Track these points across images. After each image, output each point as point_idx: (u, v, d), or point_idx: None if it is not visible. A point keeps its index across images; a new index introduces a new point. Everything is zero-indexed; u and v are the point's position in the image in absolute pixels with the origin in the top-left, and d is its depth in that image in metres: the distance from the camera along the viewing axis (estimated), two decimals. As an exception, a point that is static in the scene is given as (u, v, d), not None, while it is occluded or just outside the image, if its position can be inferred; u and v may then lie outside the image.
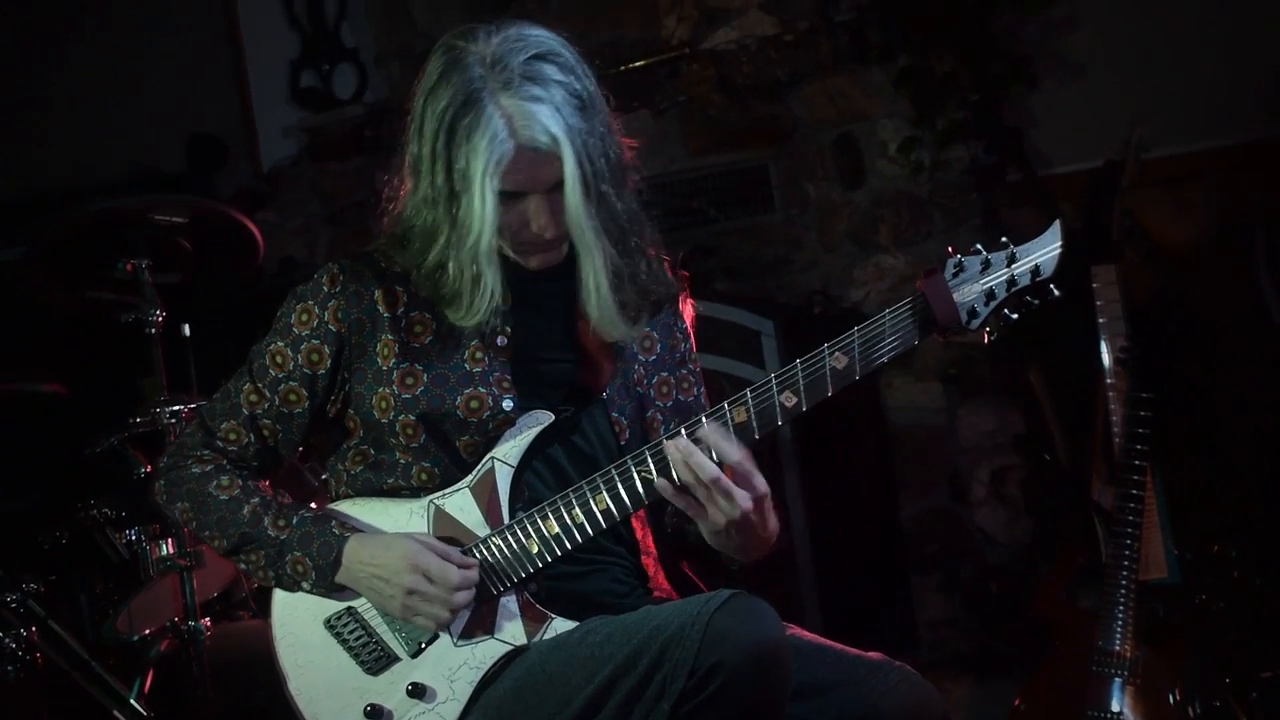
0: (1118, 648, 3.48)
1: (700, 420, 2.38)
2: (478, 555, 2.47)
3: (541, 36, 2.44)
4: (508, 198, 2.41)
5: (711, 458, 2.34)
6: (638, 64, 4.96)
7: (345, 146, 5.45)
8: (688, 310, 2.73)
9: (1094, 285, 3.75)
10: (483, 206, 2.39)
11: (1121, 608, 3.50)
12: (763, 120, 4.92)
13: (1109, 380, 3.70)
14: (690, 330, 2.72)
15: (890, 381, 4.80)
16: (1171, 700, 3.43)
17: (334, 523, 2.51)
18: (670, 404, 2.66)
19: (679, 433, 2.37)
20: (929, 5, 4.68)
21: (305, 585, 2.51)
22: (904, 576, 4.79)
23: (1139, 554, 3.51)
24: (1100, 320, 3.73)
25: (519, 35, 2.42)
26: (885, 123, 4.78)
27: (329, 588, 2.50)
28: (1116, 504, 3.55)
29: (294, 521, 2.52)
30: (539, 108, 2.37)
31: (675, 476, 2.36)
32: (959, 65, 4.68)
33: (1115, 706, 3.47)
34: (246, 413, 2.57)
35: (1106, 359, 3.71)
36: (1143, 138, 3.91)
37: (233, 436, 2.59)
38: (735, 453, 2.35)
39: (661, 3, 5.02)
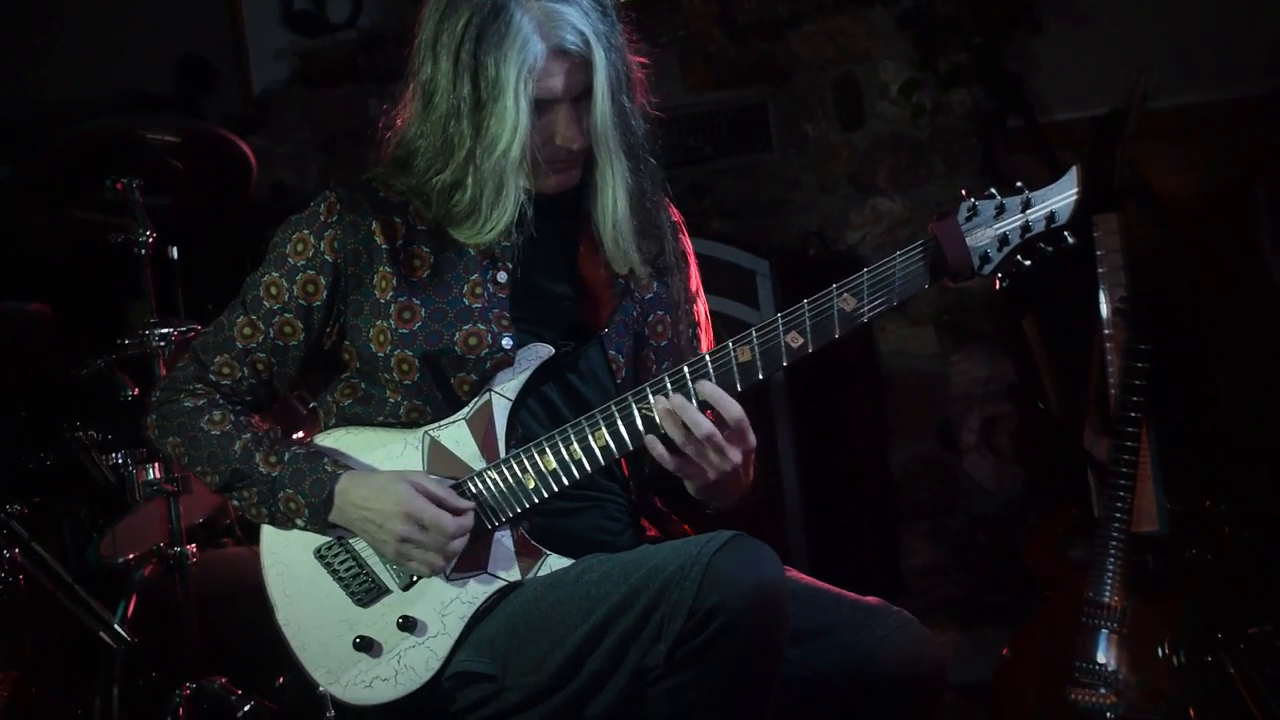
0: (1107, 599, 3.47)
1: (683, 369, 2.36)
2: (473, 489, 2.43)
3: None
4: (536, 107, 2.38)
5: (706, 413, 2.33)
6: (638, -4, 4.89)
7: (338, 72, 5.36)
8: (688, 249, 2.68)
9: (1095, 234, 3.71)
10: (515, 113, 2.35)
11: (1112, 559, 3.48)
12: (763, 58, 4.86)
13: (1107, 331, 3.66)
14: (692, 269, 2.68)
15: (883, 326, 4.77)
16: (1160, 653, 3.42)
17: (326, 460, 2.47)
18: (665, 344, 2.62)
19: (665, 386, 2.35)
20: (934, -55, 4.63)
21: (299, 522, 2.47)
22: (892, 523, 4.79)
23: (1131, 506, 3.49)
24: (1100, 270, 3.69)
25: None
26: (887, 64, 4.73)
27: (323, 525, 2.46)
28: (1110, 455, 3.52)
29: (285, 458, 2.47)
30: (567, 9, 2.36)
31: (663, 432, 2.34)
32: (962, 7, 4.63)
33: (1102, 658, 3.46)
34: (240, 346, 2.51)
35: (1105, 309, 3.67)
36: (1148, 87, 3.86)
37: (226, 371, 2.53)
38: (737, 409, 2.34)
39: (665, -65, 4.95)
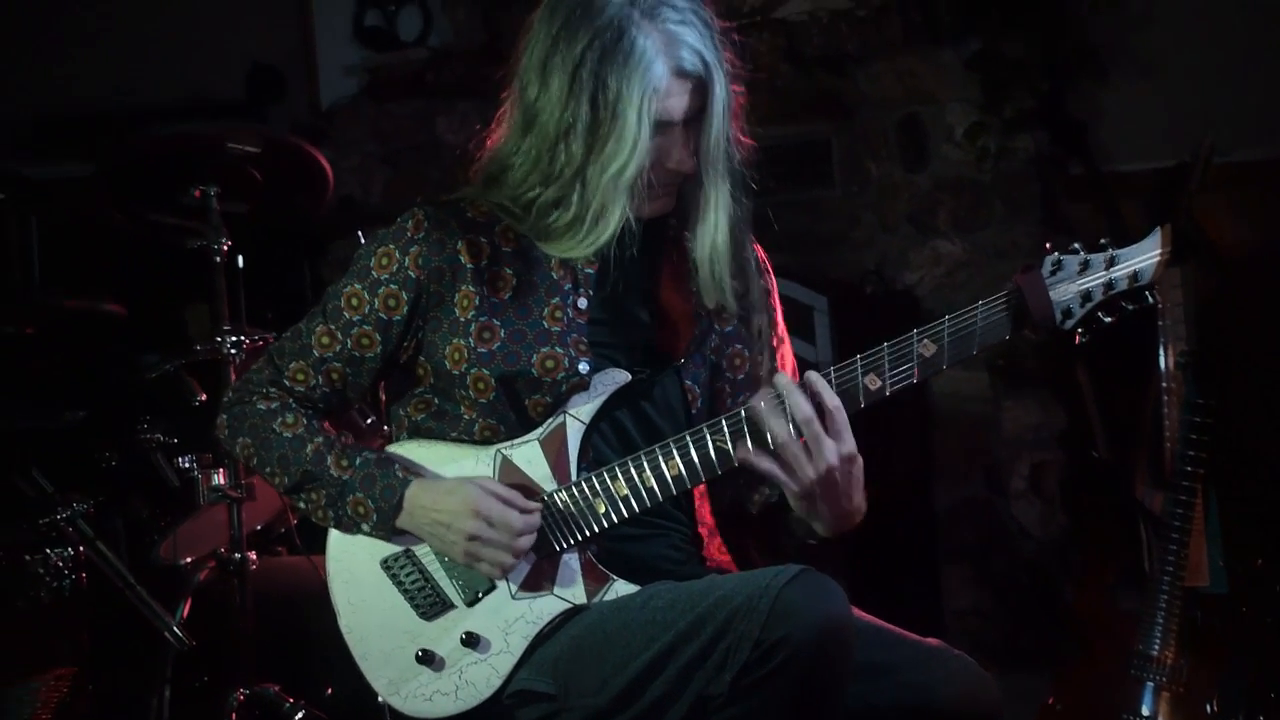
0: (1157, 653, 3.46)
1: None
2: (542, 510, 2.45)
3: None
4: (655, 128, 2.39)
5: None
6: (708, 28, 4.91)
7: (405, 88, 5.41)
8: (773, 289, 2.70)
9: (1157, 288, 3.70)
10: (637, 132, 2.36)
11: (1163, 613, 3.47)
12: (828, 94, 4.89)
13: (1166, 384, 3.66)
14: (779, 313, 2.69)
15: (937, 368, 4.76)
16: (1209, 710, 3.41)
17: (397, 466, 2.48)
18: (743, 377, 2.63)
19: (740, 422, 2.36)
20: (1003, -12, 4.66)
21: (365, 527, 2.48)
22: (935, 563, 4.78)
23: (1185, 561, 3.48)
24: (1161, 323, 3.68)
25: None
26: (953, 106, 4.75)
27: (389, 531, 2.48)
28: (1166, 509, 3.51)
29: (357, 462, 2.49)
30: (686, 31, 2.38)
31: (765, 424, 2.32)
32: (1030, 52, 4.65)
33: (1148, 711, 3.45)
34: (317, 355, 2.53)
35: (1165, 362, 3.66)
36: (1214, 143, 3.87)
37: (300, 377, 2.55)
38: (835, 399, 2.33)
39: (737, -32, 4.99)
